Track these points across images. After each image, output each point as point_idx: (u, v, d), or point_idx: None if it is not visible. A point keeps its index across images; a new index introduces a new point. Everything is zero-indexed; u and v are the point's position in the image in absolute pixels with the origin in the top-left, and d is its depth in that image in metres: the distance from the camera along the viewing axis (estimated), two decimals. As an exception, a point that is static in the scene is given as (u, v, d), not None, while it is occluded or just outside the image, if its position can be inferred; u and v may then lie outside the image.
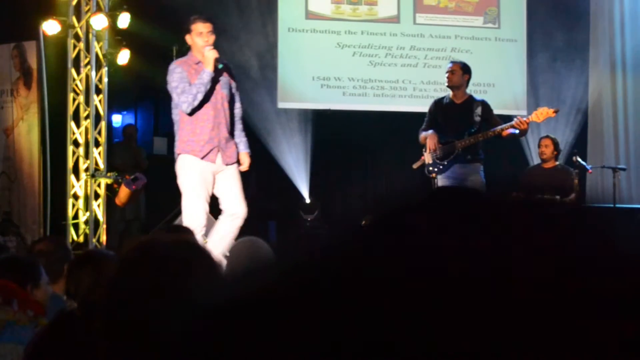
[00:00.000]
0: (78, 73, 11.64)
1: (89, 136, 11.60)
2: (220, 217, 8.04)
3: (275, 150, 13.25)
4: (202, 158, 7.90)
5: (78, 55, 11.67)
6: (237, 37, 13.19)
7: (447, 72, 9.77)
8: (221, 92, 8.00)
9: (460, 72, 9.69)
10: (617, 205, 11.78)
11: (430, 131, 9.63)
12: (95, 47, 11.71)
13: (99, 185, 11.64)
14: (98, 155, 11.64)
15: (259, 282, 0.75)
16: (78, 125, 11.59)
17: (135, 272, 2.25)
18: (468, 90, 9.88)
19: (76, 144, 11.57)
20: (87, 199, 11.53)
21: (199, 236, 7.79)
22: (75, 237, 11.42)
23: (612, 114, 14.03)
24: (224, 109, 8.05)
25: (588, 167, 11.52)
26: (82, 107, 11.61)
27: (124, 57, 11.66)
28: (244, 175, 11.76)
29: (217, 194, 8.04)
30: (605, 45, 14.17)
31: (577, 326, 0.63)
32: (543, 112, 9.28)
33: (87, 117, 11.62)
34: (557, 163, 11.36)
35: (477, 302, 0.64)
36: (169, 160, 13.00)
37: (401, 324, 0.64)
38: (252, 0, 13.42)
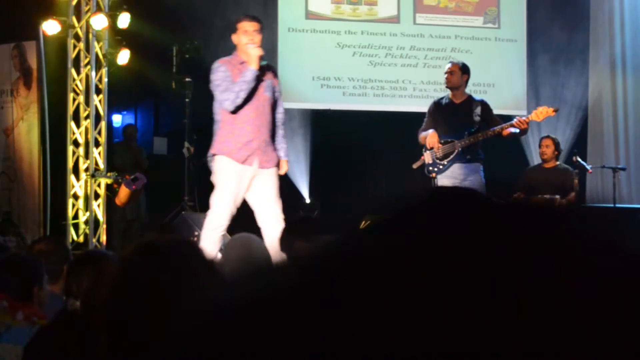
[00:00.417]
0: (78, 73, 11.64)
1: (89, 136, 11.59)
2: (263, 225, 7.84)
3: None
4: (238, 160, 7.79)
5: (78, 55, 11.66)
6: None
7: (445, 73, 9.77)
8: (264, 94, 7.93)
9: (459, 73, 9.69)
10: (617, 205, 11.78)
11: (430, 131, 9.63)
12: (95, 47, 11.70)
13: (99, 185, 11.64)
14: (98, 155, 11.63)
15: (254, 281, 0.75)
16: (78, 125, 11.59)
17: (136, 273, 2.25)
18: (467, 90, 9.89)
19: (76, 144, 11.57)
20: (87, 199, 11.52)
21: (217, 234, 7.78)
22: (75, 237, 11.41)
23: (612, 113, 14.03)
24: (266, 112, 7.97)
25: (588, 167, 11.52)
26: (82, 107, 11.60)
27: (124, 57, 11.66)
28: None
29: (251, 198, 7.92)
30: (605, 45, 14.17)
31: (578, 328, 0.62)
32: (543, 112, 9.29)
33: (87, 117, 11.62)
34: (558, 163, 11.36)
35: (478, 304, 0.64)
36: (169, 160, 13.05)
37: (401, 325, 0.64)
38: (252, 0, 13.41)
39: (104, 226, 11.63)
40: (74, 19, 11.59)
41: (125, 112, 14.24)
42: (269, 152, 7.98)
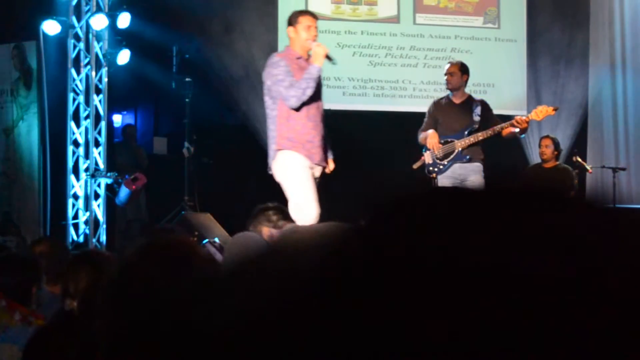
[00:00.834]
0: (78, 73, 11.65)
1: (89, 136, 11.60)
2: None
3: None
4: (305, 156, 7.67)
5: (78, 55, 11.67)
6: (237, 35, 13.19)
7: (446, 75, 9.78)
8: (319, 91, 7.87)
9: (459, 73, 9.71)
10: (617, 206, 11.78)
11: (430, 131, 9.63)
12: (95, 47, 11.71)
13: (99, 185, 11.64)
14: (98, 155, 11.64)
15: (252, 280, 0.75)
16: (78, 125, 11.59)
17: (136, 273, 2.25)
18: (467, 90, 9.90)
19: (76, 144, 11.57)
20: (87, 199, 11.53)
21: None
22: (75, 237, 11.42)
23: (612, 113, 14.03)
24: (321, 108, 7.92)
25: (588, 166, 11.53)
26: (82, 107, 11.61)
27: (124, 57, 11.66)
28: (244, 178, 11.77)
29: None
30: (605, 45, 14.17)
31: (574, 323, 0.62)
32: (542, 111, 9.29)
33: (87, 117, 11.62)
34: (557, 163, 11.37)
35: (471, 300, 0.64)
36: (169, 160, 13.05)
37: (392, 323, 0.64)
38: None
39: (104, 226, 11.64)
40: (74, 19, 11.59)
41: (125, 112, 14.25)
42: (324, 149, 7.91)
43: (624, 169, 12.13)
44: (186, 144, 12.18)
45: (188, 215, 10.96)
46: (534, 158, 12.35)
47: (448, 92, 9.88)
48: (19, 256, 5.04)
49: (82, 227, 11.49)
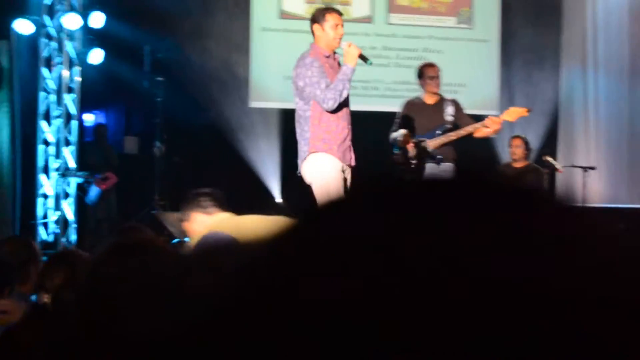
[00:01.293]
0: (50, 72, 11.60)
1: (60, 135, 11.55)
2: None
3: (246, 150, 13.23)
4: (339, 158, 7.56)
5: (50, 54, 11.62)
6: (210, 35, 13.18)
7: (435, 78, 9.82)
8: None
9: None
10: (587, 205, 11.84)
11: (402, 130, 9.64)
12: (68, 46, 11.66)
13: (69, 185, 11.60)
14: (69, 154, 11.59)
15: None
16: (49, 124, 11.55)
17: (104, 272, 2.25)
18: (439, 90, 9.93)
19: (47, 143, 11.52)
20: (57, 198, 11.48)
21: None
22: (44, 237, 11.37)
23: (583, 113, 14.10)
24: (349, 108, 7.86)
25: (558, 166, 11.58)
26: (53, 107, 11.57)
27: (96, 56, 11.62)
28: (215, 178, 11.74)
29: None
30: (577, 45, 14.24)
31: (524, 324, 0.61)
32: (516, 112, 9.31)
33: (58, 116, 11.58)
34: (528, 162, 11.41)
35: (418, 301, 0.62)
36: (140, 159, 13.00)
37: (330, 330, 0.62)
38: (225, -1, 13.42)
39: (74, 226, 11.59)
40: (47, 18, 11.54)
41: (96, 112, 14.19)
42: (352, 149, 7.84)
43: (593, 168, 12.19)
44: (157, 144, 12.15)
45: (158, 214, 10.93)
46: (505, 157, 12.38)
47: (420, 91, 9.92)
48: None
49: (51, 226, 11.44)
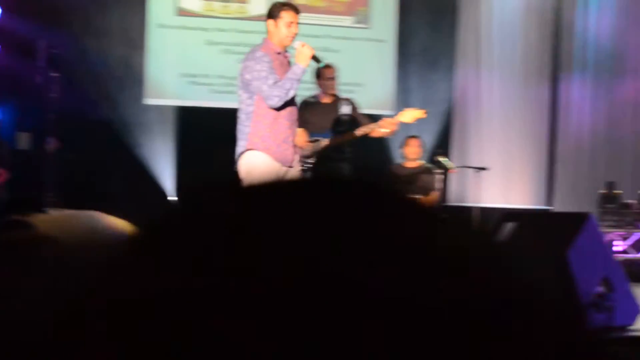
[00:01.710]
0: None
1: (-49, 130, 11.34)
2: None
3: (140, 147, 13.12)
4: (277, 158, 7.45)
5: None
6: (106, 31, 13.03)
7: (332, 79, 9.85)
8: None
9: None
10: (479, 205, 12.02)
11: (298, 129, 9.65)
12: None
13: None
14: (-41, 149, 11.38)
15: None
16: (-61, 119, 11.32)
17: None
18: (336, 91, 9.99)
19: (-64, 138, 11.30)
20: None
21: None
22: None
23: (476, 114, 14.30)
24: (295, 107, 7.73)
25: (451, 166, 11.72)
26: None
27: (-11, 50, 11.43)
28: (109, 174, 11.61)
29: None
30: (472, 47, 14.43)
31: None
32: (412, 113, 9.35)
33: (-52, 111, 11.36)
34: (422, 162, 11.52)
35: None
36: (32, 155, 12.79)
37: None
38: (121, -5, 13.28)
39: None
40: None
41: (-12, 107, 13.93)
42: (295, 149, 7.73)
43: (486, 169, 12.36)
44: (50, 140, 11.97)
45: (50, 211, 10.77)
46: (399, 157, 12.48)
47: (317, 90, 9.96)
48: None
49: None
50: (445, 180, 11.97)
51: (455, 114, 14.34)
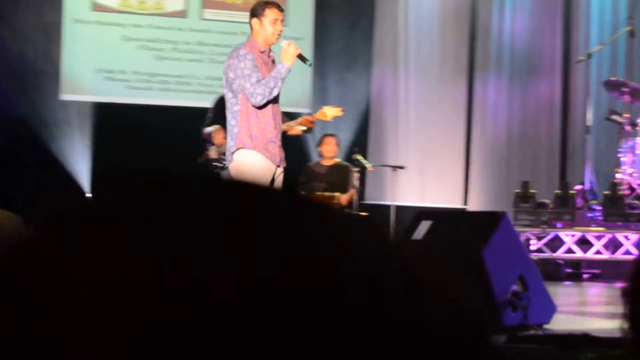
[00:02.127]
0: None
1: None
2: None
3: (57, 143, 12.96)
4: (266, 156, 7.37)
5: None
6: (20, 26, 12.84)
7: None
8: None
9: None
10: (396, 203, 12.08)
11: (216, 126, 9.63)
12: None
13: None
14: None
15: None
16: None
17: None
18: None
19: None
20: None
21: None
22: None
23: (393, 113, 14.38)
24: (279, 107, 7.64)
25: (368, 164, 11.77)
26: None
27: None
28: (16, 174, 11.44)
29: None
30: (389, 46, 14.50)
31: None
32: (330, 111, 9.38)
33: None
34: (338, 160, 11.55)
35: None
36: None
37: None
38: (36, -11, 13.09)
39: None
40: None
41: None
42: (282, 149, 7.62)
43: (402, 168, 12.43)
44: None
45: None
46: (315, 155, 12.49)
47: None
48: None
49: None
50: (362, 179, 12.03)
51: (372, 112, 14.39)
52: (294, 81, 13.85)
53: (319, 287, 0.61)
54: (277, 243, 0.63)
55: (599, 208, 11.72)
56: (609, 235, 11.22)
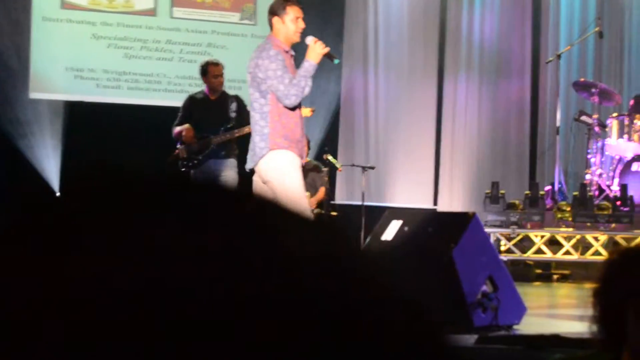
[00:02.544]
0: None
1: None
2: None
3: (25, 142, 12.88)
4: (299, 156, 7.24)
5: None
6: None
7: (219, 76, 9.84)
8: None
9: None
10: (366, 203, 12.07)
11: (185, 125, 9.64)
12: None
13: None
14: None
15: None
16: None
17: None
18: (223, 88, 9.99)
19: None
20: None
21: None
22: None
23: (363, 114, 14.39)
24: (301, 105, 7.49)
25: (338, 165, 11.77)
26: None
27: None
28: None
29: None
30: (359, 46, 14.51)
31: None
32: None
33: None
34: (308, 160, 11.55)
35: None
36: None
37: None
38: (4, -14, 13.00)
39: None
40: None
41: None
42: (305, 145, 7.58)
43: (372, 168, 12.44)
44: None
45: None
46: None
47: (204, 86, 9.94)
48: None
49: None
50: (332, 179, 12.02)
51: (342, 112, 14.39)
52: (264, 81, 13.85)
53: (273, 289, 0.61)
54: (230, 244, 0.63)
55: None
56: (578, 236, 11.26)
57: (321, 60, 7.51)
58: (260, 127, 7.24)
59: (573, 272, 11.35)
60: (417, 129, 14.43)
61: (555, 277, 11.47)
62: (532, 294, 9.44)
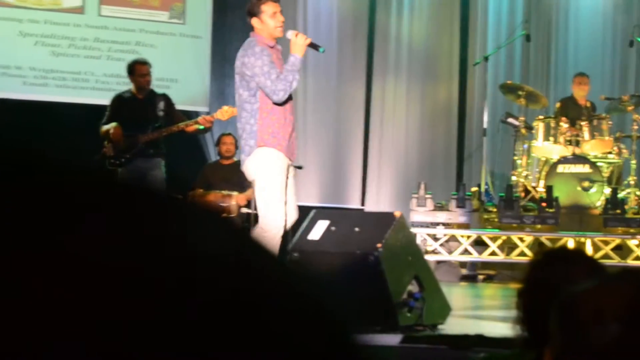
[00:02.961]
0: None
1: None
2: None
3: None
4: (286, 153, 7.14)
5: None
6: None
7: (147, 75, 9.82)
8: None
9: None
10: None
11: (113, 123, 9.61)
12: None
13: None
14: None
15: None
16: None
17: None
18: (150, 87, 9.97)
19: None
20: None
21: (279, 237, 7.05)
22: None
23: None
24: (291, 102, 7.40)
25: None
26: None
27: None
28: None
29: None
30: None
31: None
32: (228, 111, 9.38)
33: None
34: (236, 159, 11.54)
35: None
36: None
37: None
38: None
39: None
40: None
41: None
42: (295, 141, 7.47)
43: (300, 167, 12.46)
44: None
45: None
46: (213, 154, 12.44)
47: (131, 85, 9.91)
48: None
49: None
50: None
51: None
52: (192, 80, 13.81)
53: (164, 285, 0.61)
54: (129, 238, 0.62)
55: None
56: (504, 237, 11.38)
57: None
58: (250, 125, 7.21)
59: (498, 273, 11.48)
60: (345, 130, 14.50)
61: (480, 277, 11.59)
62: (457, 294, 9.53)
